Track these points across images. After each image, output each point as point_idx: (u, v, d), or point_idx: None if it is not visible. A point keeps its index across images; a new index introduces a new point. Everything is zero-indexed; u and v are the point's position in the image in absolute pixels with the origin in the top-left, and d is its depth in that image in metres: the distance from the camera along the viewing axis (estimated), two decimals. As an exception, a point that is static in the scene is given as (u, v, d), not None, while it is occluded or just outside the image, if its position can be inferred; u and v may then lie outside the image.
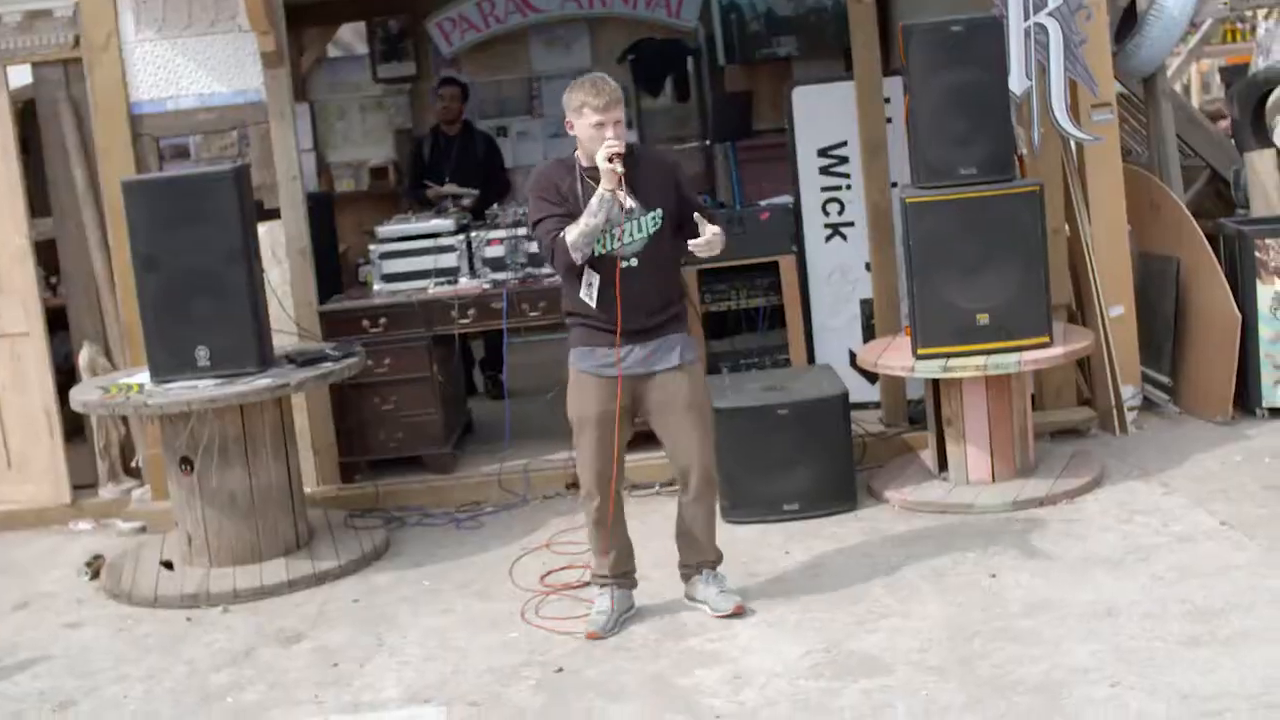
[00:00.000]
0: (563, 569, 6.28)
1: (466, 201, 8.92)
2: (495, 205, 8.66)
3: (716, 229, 5.46)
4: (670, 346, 5.56)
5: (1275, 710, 4.40)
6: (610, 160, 5.30)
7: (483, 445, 8.20)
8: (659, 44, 11.48)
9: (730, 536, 6.37)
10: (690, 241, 5.49)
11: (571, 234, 5.37)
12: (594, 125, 5.38)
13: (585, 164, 5.48)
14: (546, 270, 7.57)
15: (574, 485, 7.09)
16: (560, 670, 5.29)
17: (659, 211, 5.49)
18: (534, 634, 5.65)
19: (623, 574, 5.78)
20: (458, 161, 9.41)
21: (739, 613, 5.63)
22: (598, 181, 5.36)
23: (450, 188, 9.09)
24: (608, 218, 5.37)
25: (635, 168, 5.44)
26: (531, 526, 7.01)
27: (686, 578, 5.84)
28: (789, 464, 6.65)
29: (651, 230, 5.48)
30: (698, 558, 5.80)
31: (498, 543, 6.83)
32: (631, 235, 5.46)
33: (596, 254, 5.43)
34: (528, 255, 7.77)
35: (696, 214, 5.50)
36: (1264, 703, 4.45)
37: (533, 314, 7.60)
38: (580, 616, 5.70)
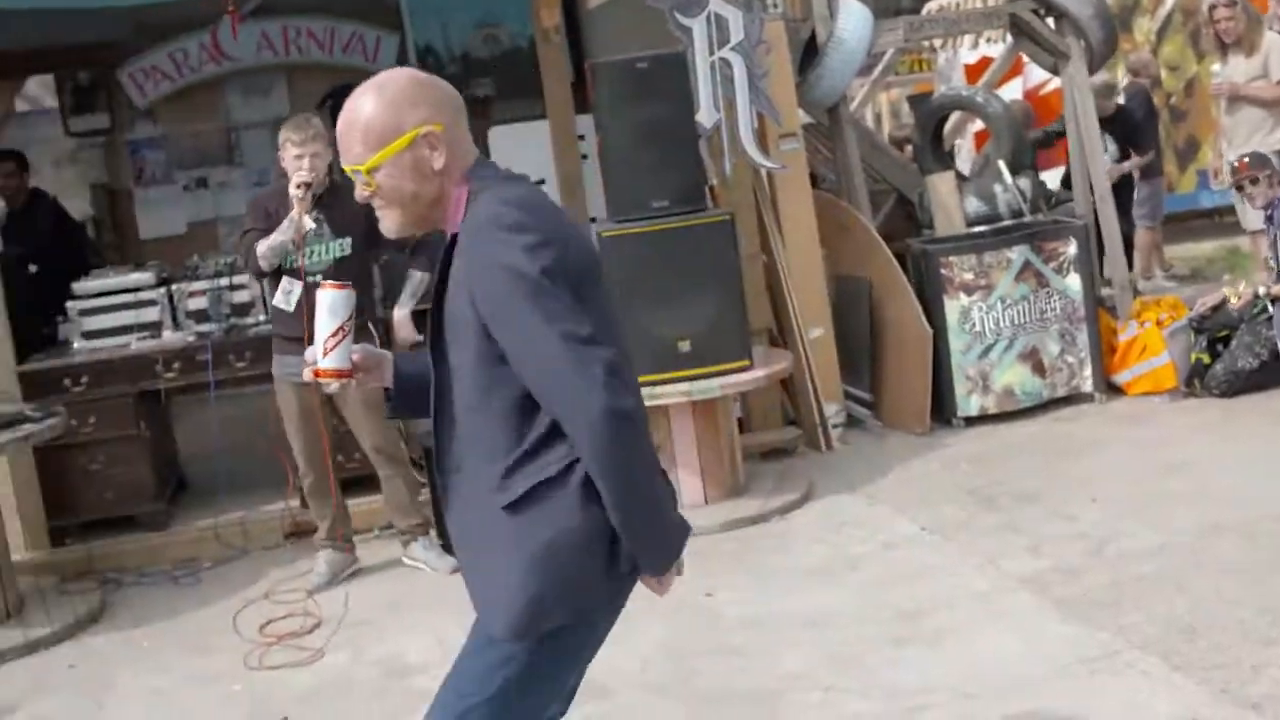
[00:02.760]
0: (283, 618, 6.21)
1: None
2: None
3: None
4: None
5: (973, 699, 4.63)
6: (298, 188, 5.97)
7: (197, 500, 8.04)
8: (357, 89, 11.43)
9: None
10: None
11: (261, 245, 6.15)
12: (294, 158, 6.04)
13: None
14: (251, 319, 7.53)
15: (291, 535, 7.11)
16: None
17: (348, 240, 6.15)
18: (256, 687, 5.58)
19: (340, 538, 6.59)
20: (21, 237, 8.43)
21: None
22: None
23: None
24: (295, 236, 6.02)
25: (335, 199, 6.09)
26: (251, 578, 6.90)
27: (405, 543, 6.64)
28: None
29: (338, 255, 6.16)
30: (406, 522, 6.57)
31: (217, 597, 6.71)
32: (319, 256, 6.13)
33: (289, 265, 6.14)
34: (231, 305, 7.65)
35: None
36: (962, 693, 4.68)
37: (240, 365, 7.40)
38: (304, 662, 5.68)
